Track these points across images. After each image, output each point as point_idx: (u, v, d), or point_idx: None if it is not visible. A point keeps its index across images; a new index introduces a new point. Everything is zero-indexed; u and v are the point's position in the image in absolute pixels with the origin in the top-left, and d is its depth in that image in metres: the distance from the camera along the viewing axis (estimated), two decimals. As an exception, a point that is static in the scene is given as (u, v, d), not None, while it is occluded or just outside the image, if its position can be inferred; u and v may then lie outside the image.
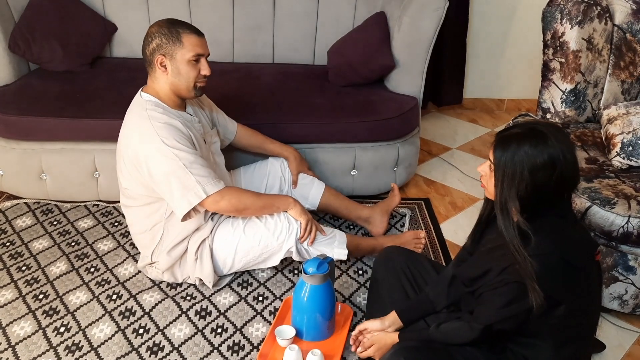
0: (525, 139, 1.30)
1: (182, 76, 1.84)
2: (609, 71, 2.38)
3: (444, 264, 2.26)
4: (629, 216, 1.83)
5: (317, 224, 2.04)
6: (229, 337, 1.89)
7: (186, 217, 1.84)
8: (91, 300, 2.01)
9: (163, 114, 1.82)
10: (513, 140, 1.32)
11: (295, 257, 2.01)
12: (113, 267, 2.18)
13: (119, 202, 2.42)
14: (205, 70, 1.87)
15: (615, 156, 2.10)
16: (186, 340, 1.87)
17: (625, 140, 2.07)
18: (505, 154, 1.31)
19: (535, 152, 1.28)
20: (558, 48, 2.33)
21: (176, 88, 1.86)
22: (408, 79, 2.61)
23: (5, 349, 1.80)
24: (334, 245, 2.05)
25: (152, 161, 1.78)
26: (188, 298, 2.04)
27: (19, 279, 2.10)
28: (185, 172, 1.78)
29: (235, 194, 1.88)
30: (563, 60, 2.33)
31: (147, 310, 1.97)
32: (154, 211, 1.93)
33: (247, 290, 2.09)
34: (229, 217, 2.03)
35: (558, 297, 1.31)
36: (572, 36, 2.29)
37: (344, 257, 2.07)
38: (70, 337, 1.86)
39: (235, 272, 2.13)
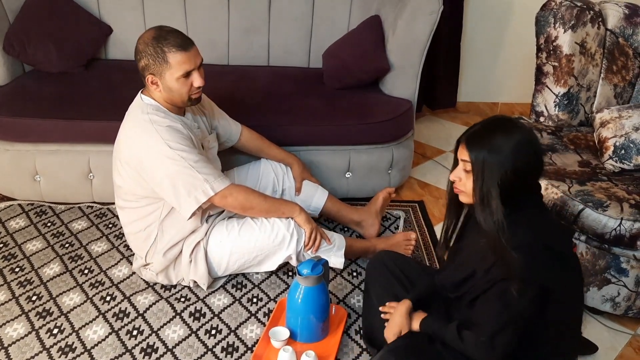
0: (496, 128, 1.36)
1: (175, 92, 1.82)
2: (602, 75, 2.40)
3: (437, 266, 2.26)
4: (621, 219, 1.85)
5: (322, 231, 2.04)
6: (223, 339, 1.89)
7: (192, 215, 1.85)
8: (85, 301, 2.01)
9: (164, 118, 1.83)
10: (485, 134, 1.36)
11: (294, 264, 2.01)
12: (107, 269, 2.17)
13: (113, 203, 2.41)
14: (197, 82, 1.83)
15: (607, 159, 2.11)
16: (180, 342, 1.87)
17: (617, 144, 2.09)
18: (482, 149, 1.35)
19: (509, 137, 1.34)
20: (551, 52, 2.35)
21: (171, 101, 1.86)
22: (402, 82, 2.62)
23: (-2, 351, 1.80)
24: (331, 253, 2.07)
25: (156, 164, 1.79)
26: (182, 299, 2.04)
27: (12, 281, 2.09)
28: (192, 171, 1.79)
29: (242, 192, 1.89)
30: (556, 64, 2.34)
31: (141, 312, 1.97)
32: (149, 212, 1.93)
33: (241, 291, 2.09)
34: (224, 219, 2.03)
35: (548, 284, 1.32)
36: (565, 40, 2.31)
37: (340, 266, 2.09)
38: (63, 339, 1.85)
39: (230, 274, 2.13)
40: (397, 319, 1.59)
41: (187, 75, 1.80)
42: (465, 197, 1.44)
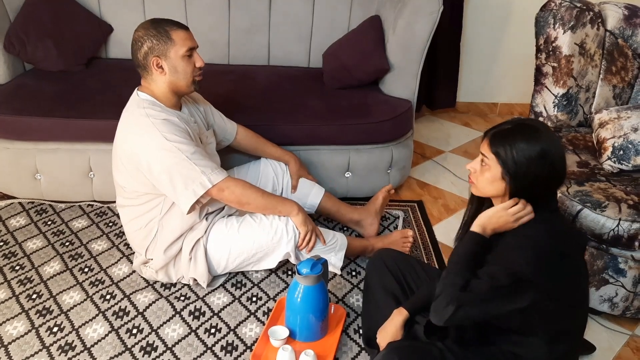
0: (518, 133, 1.38)
1: (180, 73, 1.85)
2: (601, 76, 2.41)
3: (436, 265, 2.27)
4: (619, 219, 1.85)
5: (319, 231, 2.05)
6: (223, 338, 1.90)
7: (191, 209, 1.85)
8: (85, 300, 2.01)
9: (161, 112, 1.84)
10: (509, 135, 1.39)
11: (293, 261, 2.02)
12: (107, 267, 2.18)
13: (113, 202, 2.42)
14: (199, 62, 1.89)
15: (606, 160, 2.12)
16: (180, 341, 1.87)
17: (616, 145, 2.10)
18: (501, 149, 1.38)
19: (529, 146, 1.35)
20: (551, 53, 2.35)
21: (175, 86, 1.87)
22: (402, 82, 2.63)
23: (-2, 349, 1.81)
24: (332, 253, 2.09)
25: (153, 157, 1.80)
26: (182, 298, 2.04)
27: (12, 279, 2.10)
28: (189, 163, 1.80)
29: (240, 186, 1.89)
30: (555, 64, 2.35)
31: (140, 310, 1.98)
32: (150, 208, 1.94)
33: (241, 290, 2.10)
34: (224, 217, 2.04)
35: (549, 283, 1.32)
36: (564, 41, 2.31)
37: (338, 270, 2.12)
38: (63, 337, 1.86)
39: (230, 273, 2.14)
40: (392, 329, 1.60)
41: (190, 54, 1.86)
42: (475, 190, 1.48)
